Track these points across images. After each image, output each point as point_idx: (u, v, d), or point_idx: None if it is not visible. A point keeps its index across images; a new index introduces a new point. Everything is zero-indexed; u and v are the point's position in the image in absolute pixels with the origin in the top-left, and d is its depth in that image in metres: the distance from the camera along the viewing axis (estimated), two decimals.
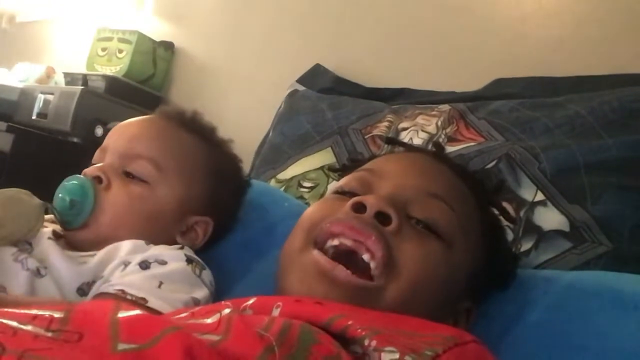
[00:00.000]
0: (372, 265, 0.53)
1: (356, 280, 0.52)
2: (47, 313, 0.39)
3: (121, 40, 1.80)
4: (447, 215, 0.58)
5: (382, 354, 0.40)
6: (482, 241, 0.62)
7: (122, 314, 0.38)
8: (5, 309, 0.41)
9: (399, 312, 0.50)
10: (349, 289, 0.52)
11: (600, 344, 0.53)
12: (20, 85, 1.79)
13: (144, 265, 0.64)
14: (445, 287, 0.57)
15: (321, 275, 0.53)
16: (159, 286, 0.62)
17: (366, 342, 0.41)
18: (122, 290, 0.60)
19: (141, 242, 0.68)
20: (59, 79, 1.89)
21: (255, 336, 0.39)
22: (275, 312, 0.47)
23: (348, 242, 0.54)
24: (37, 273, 0.64)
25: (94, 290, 0.64)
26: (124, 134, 0.77)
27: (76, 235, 0.71)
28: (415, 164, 0.65)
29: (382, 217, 0.55)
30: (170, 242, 0.73)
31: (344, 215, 0.55)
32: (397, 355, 0.40)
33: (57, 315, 0.38)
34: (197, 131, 0.80)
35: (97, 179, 0.72)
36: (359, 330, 0.43)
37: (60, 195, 0.71)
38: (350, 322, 0.44)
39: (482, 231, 0.62)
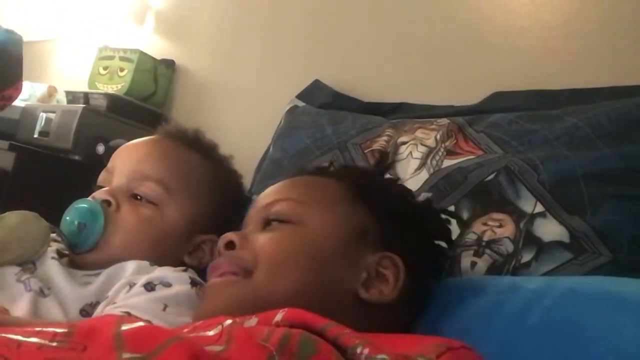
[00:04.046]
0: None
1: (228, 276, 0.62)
2: (50, 329, 0.39)
3: (122, 58, 1.82)
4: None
5: None
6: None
7: (125, 327, 0.39)
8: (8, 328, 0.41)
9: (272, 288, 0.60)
10: (229, 287, 0.62)
11: (600, 348, 0.53)
12: (22, 104, 1.80)
13: (149, 287, 0.64)
14: (308, 254, 0.63)
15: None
16: (164, 309, 0.62)
17: (358, 350, 0.42)
18: (128, 313, 0.60)
19: (145, 263, 0.69)
20: (61, 98, 1.90)
21: (257, 345, 0.39)
22: (279, 317, 0.48)
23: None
24: (41, 293, 0.64)
25: (98, 311, 0.64)
26: (131, 156, 0.77)
27: (84, 258, 0.71)
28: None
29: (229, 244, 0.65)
30: (178, 262, 0.73)
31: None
32: None
33: (60, 330, 0.39)
34: (200, 149, 0.81)
35: (106, 203, 0.72)
36: (353, 339, 0.43)
37: (68, 218, 0.71)
38: (346, 331, 0.45)
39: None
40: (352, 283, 0.62)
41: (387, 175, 0.86)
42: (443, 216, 0.75)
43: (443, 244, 0.74)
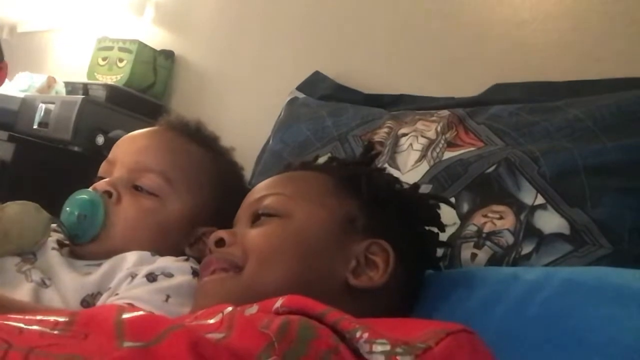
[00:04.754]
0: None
1: (218, 274, 0.63)
2: (51, 318, 0.39)
3: (122, 49, 1.81)
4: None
5: (374, 345, 0.41)
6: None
7: (126, 316, 0.39)
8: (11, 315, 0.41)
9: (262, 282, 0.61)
10: (220, 284, 0.63)
11: (600, 339, 0.53)
12: (21, 94, 1.79)
13: (151, 277, 0.64)
14: (295, 244, 0.64)
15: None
16: (166, 300, 0.62)
17: (358, 334, 0.43)
18: (131, 304, 0.60)
19: (147, 254, 0.69)
20: (60, 89, 1.89)
21: (258, 332, 0.40)
22: (278, 304, 0.48)
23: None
24: (42, 284, 0.64)
25: (101, 302, 0.64)
26: (132, 147, 0.77)
27: (85, 249, 0.71)
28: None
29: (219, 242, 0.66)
30: (179, 253, 0.73)
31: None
32: (388, 347, 0.41)
33: (61, 319, 0.39)
34: (202, 142, 0.81)
35: (107, 194, 0.72)
36: (352, 323, 0.44)
37: (68, 209, 0.71)
38: (345, 316, 0.45)
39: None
40: (342, 271, 0.63)
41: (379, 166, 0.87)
42: (431, 201, 0.76)
43: (435, 229, 0.74)
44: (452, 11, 1.27)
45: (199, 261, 0.71)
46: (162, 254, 0.69)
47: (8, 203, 0.67)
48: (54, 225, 0.71)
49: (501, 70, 1.13)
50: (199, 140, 0.80)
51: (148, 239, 0.71)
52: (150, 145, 0.76)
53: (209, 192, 0.77)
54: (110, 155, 0.78)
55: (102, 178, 0.75)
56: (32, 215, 0.68)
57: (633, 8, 1.03)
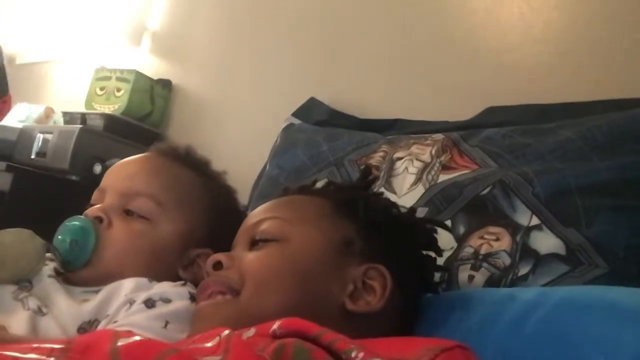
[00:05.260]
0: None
1: (215, 298, 0.64)
2: (47, 345, 0.39)
3: (119, 79, 1.83)
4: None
5: None
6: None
7: (121, 342, 0.39)
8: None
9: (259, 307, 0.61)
10: (218, 308, 0.63)
11: (596, 356, 0.53)
12: (20, 125, 1.81)
13: (150, 303, 0.64)
14: (293, 271, 0.64)
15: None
16: (165, 326, 0.62)
17: (353, 354, 0.43)
18: (130, 332, 0.60)
19: (144, 280, 0.69)
20: (58, 119, 1.91)
21: (254, 355, 0.40)
22: (275, 326, 0.48)
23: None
24: (39, 311, 0.64)
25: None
26: (122, 173, 0.78)
27: (79, 275, 0.71)
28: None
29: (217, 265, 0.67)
30: (174, 277, 0.73)
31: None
32: None
33: (57, 346, 0.39)
34: (192, 165, 0.82)
35: (98, 219, 0.72)
36: (348, 343, 0.44)
37: (60, 236, 0.71)
38: (340, 336, 0.45)
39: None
40: (339, 296, 0.63)
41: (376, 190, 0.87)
42: (429, 226, 0.76)
43: (432, 253, 0.74)
44: (444, 37, 1.29)
45: (194, 284, 0.71)
46: (156, 277, 0.70)
47: (2, 231, 0.67)
48: (49, 255, 0.72)
49: (493, 94, 1.14)
50: (189, 164, 0.81)
51: (140, 262, 0.71)
52: (141, 170, 0.77)
53: (200, 214, 0.78)
54: (102, 183, 0.79)
55: (94, 205, 0.76)
56: (27, 242, 0.68)
57: (616, 34, 1.05)
